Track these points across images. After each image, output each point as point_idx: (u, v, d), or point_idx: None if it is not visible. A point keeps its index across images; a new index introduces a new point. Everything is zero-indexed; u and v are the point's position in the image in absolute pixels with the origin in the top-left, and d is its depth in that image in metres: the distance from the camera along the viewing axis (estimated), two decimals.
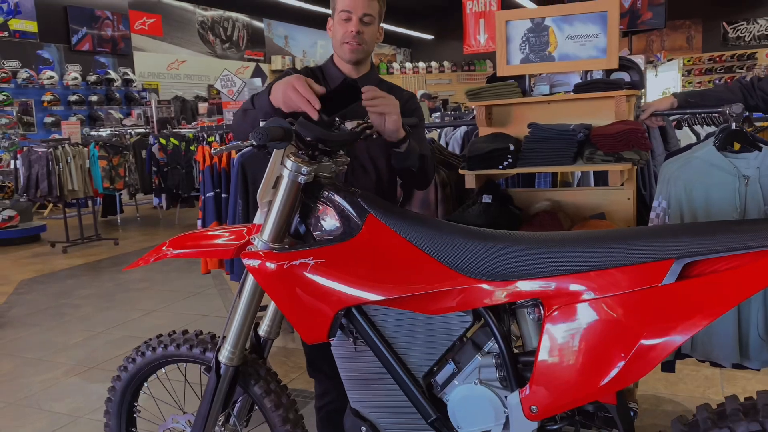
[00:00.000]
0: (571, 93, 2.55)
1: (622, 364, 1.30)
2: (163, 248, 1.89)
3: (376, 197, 1.64)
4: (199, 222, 4.37)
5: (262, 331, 1.90)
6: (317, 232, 1.65)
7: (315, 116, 1.63)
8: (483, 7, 9.82)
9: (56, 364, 3.90)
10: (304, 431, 1.86)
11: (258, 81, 7.85)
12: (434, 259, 1.49)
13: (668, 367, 2.57)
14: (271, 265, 1.61)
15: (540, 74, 2.76)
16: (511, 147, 2.41)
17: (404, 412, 1.60)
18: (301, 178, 1.60)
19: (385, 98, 1.77)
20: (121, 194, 9.35)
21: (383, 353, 1.57)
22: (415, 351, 1.57)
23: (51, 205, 9.42)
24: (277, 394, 1.85)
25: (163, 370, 2.01)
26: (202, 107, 10.70)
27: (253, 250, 1.67)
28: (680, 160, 2.43)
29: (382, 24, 2.07)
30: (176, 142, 8.23)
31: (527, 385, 1.41)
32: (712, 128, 4.25)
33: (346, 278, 1.56)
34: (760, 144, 2.32)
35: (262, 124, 1.57)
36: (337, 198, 1.62)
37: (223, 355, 1.78)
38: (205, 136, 6.05)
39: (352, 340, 1.62)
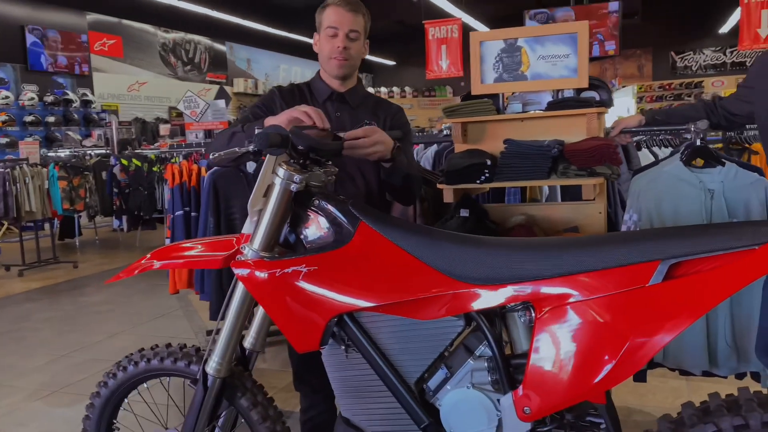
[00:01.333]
0: (544, 111, 2.64)
1: (612, 363, 1.34)
2: (147, 260, 1.88)
3: (366, 205, 1.66)
4: (167, 241, 4.31)
5: (248, 343, 1.89)
6: (308, 241, 1.66)
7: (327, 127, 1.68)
8: (445, 34, 10.05)
9: (17, 388, 3.76)
10: None
11: (222, 103, 7.80)
12: (426, 265, 1.52)
13: (640, 376, 2.64)
14: (262, 274, 1.61)
15: (513, 93, 2.85)
16: (488, 162, 2.48)
17: (396, 419, 1.61)
18: (293, 186, 1.62)
19: (367, 139, 1.81)
20: (80, 216, 9.12)
21: (375, 360, 1.59)
22: (407, 357, 1.59)
23: (4, 227, 9.13)
24: (264, 407, 1.84)
25: (145, 385, 1.97)
26: (164, 128, 10.59)
27: (243, 259, 1.67)
28: (649, 175, 2.54)
29: (367, 39, 2.12)
30: (138, 163, 8.10)
31: (520, 387, 1.45)
32: (670, 149, 4.44)
33: (339, 285, 1.57)
34: (723, 159, 2.44)
35: (257, 130, 1.59)
36: (328, 206, 1.64)
37: (211, 367, 1.77)
38: (168, 156, 5.99)
39: (343, 348, 1.63)
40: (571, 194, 3.47)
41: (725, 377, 2.66)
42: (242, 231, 1.74)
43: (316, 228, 1.65)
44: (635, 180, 2.56)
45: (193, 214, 4.27)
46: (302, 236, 1.67)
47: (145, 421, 2.06)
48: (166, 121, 12.99)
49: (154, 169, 8.09)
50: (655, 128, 2.73)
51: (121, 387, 1.97)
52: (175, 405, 2.03)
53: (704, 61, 17.62)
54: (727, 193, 2.40)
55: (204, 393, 1.76)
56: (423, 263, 1.53)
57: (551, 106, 2.59)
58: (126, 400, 2.00)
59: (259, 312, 1.84)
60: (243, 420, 1.85)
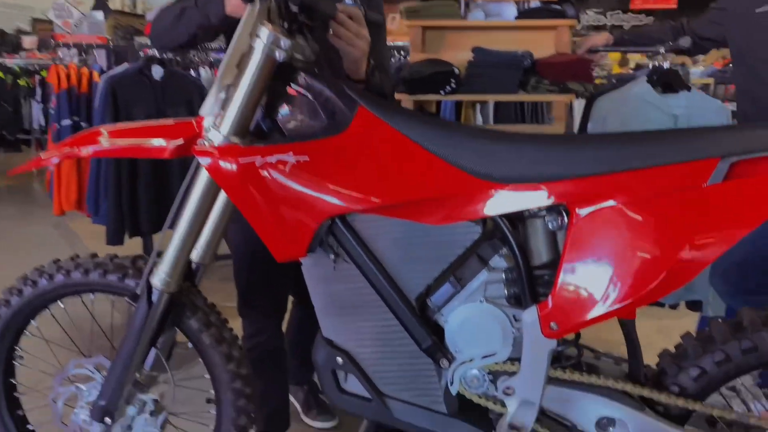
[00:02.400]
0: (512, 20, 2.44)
1: (658, 276, 1.19)
2: (65, 146, 1.48)
3: (363, 90, 1.38)
4: None
5: (195, 255, 1.57)
6: (290, 128, 1.36)
7: None
8: None
9: None
10: (250, 371, 1.57)
11: (100, 14, 6.96)
12: (441, 159, 1.28)
13: None
14: (237, 164, 1.29)
15: (475, 1, 2.62)
16: (456, 71, 2.25)
17: (391, 339, 1.39)
18: (279, 54, 1.29)
19: (355, 24, 1.50)
20: None
21: (372, 272, 1.34)
22: (410, 268, 1.35)
23: None
24: (218, 328, 1.54)
25: (60, 304, 1.59)
26: (29, 41, 9.35)
27: (208, 145, 1.33)
28: (614, 98, 2.44)
29: None
30: (1, 75, 7.05)
31: (548, 299, 1.27)
32: None
33: (334, 181, 1.29)
34: (689, 84, 2.38)
35: None
36: (318, 85, 1.34)
37: (158, 279, 1.43)
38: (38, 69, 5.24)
39: (332, 257, 1.36)
40: (510, 117, 3.36)
41: (669, 306, 2.69)
42: (201, 112, 1.39)
43: (301, 111, 1.34)
44: (598, 103, 2.45)
45: (83, 124, 3.70)
46: (282, 121, 1.36)
47: (60, 349, 1.68)
48: (28, 33, 11.47)
49: (21, 82, 7.09)
50: (621, 48, 2.63)
51: (27, 307, 1.58)
52: (100, 329, 1.67)
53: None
54: (691, 119, 2.35)
55: (148, 310, 1.43)
56: (436, 157, 1.28)
57: (522, 15, 2.40)
58: (34, 323, 1.62)
59: (213, 216, 1.52)
60: (192, 346, 1.55)
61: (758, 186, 1.16)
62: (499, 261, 1.33)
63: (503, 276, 1.33)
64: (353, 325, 1.40)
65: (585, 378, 1.31)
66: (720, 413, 1.28)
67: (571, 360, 1.36)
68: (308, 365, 2.36)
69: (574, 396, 1.32)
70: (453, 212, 1.29)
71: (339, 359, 1.41)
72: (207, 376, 1.56)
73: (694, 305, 2.63)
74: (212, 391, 1.57)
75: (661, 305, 2.68)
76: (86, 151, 1.44)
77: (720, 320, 1.32)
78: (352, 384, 1.43)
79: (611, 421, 1.31)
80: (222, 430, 1.58)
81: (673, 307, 2.75)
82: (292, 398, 2.31)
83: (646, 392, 1.29)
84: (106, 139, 1.45)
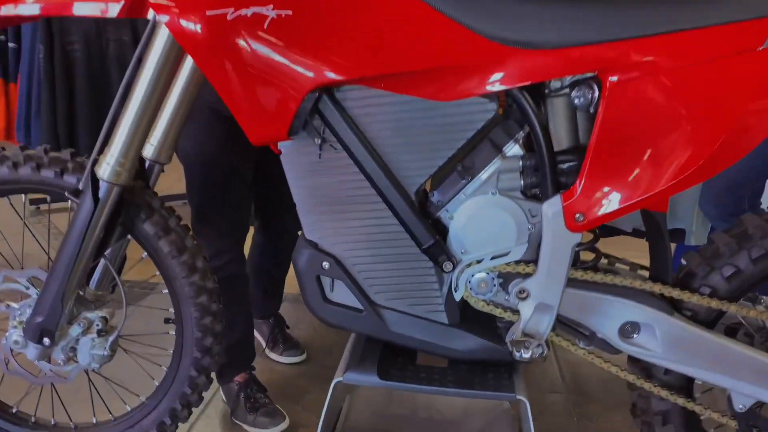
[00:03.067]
0: None
1: (703, 153, 1.03)
2: None
3: None
4: None
5: (149, 152, 1.33)
6: None
7: None
8: None
9: None
10: (215, 284, 1.36)
11: None
12: (454, 21, 1.07)
13: None
14: (203, 19, 1.05)
15: None
16: None
17: (386, 240, 1.19)
18: None
19: None
20: None
21: (366, 159, 1.13)
22: (411, 155, 1.15)
23: None
24: (179, 235, 1.31)
25: None
26: None
27: None
28: None
29: None
30: None
31: (575, 187, 1.09)
32: None
33: (323, 43, 1.07)
34: None
35: None
36: None
37: (105, 170, 1.19)
38: None
39: (318, 142, 1.15)
40: None
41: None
42: None
43: None
44: None
45: (11, 44, 3.30)
46: None
47: None
48: None
49: None
50: None
51: None
52: (33, 236, 1.42)
53: None
54: None
55: (93, 207, 1.19)
56: (448, 18, 1.07)
57: None
58: None
59: (172, 100, 1.28)
60: (147, 256, 1.32)
61: None
62: (514, 146, 1.15)
63: (519, 164, 1.15)
64: (342, 225, 1.20)
65: (609, 278, 1.15)
66: (755, 314, 1.15)
67: (587, 264, 1.21)
68: (273, 296, 2.17)
69: (596, 300, 1.16)
70: (466, 85, 1.09)
71: (325, 264, 1.21)
72: (165, 291, 1.34)
73: (676, 235, 2.53)
74: (171, 310, 1.36)
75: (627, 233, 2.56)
76: (5, 10, 1.17)
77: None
78: (340, 293, 1.24)
79: (635, 327, 1.17)
80: (183, 354, 1.37)
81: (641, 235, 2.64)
82: (256, 333, 2.11)
83: (676, 293, 1.15)
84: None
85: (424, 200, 1.20)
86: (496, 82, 1.08)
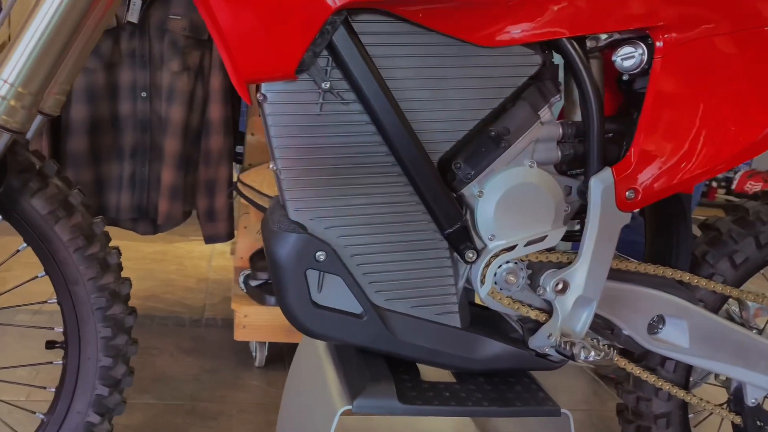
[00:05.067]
0: None
1: (758, 125, 0.96)
2: None
3: None
4: None
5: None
6: None
7: None
8: None
9: None
10: (130, 289, 0.96)
11: None
12: None
13: None
14: None
15: None
16: None
17: (396, 223, 0.93)
18: None
19: None
20: None
21: (388, 112, 0.87)
22: (439, 112, 0.91)
23: None
24: (85, 217, 0.89)
25: None
26: None
27: None
28: None
29: None
30: None
31: (626, 160, 0.95)
32: None
33: None
34: None
35: None
36: None
37: None
38: None
39: (326, 86, 0.85)
40: None
41: None
42: None
43: None
44: None
45: None
46: None
47: None
48: None
49: None
50: None
51: None
52: None
53: None
54: None
55: None
56: None
57: None
58: None
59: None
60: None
61: None
62: (548, 111, 0.97)
63: (559, 131, 0.97)
64: (343, 201, 0.91)
65: (642, 268, 1.03)
66: (760, 300, 1.12)
67: None
68: None
69: (628, 292, 1.03)
70: (516, 29, 0.89)
71: (320, 255, 0.90)
72: (53, 300, 0.90)
73: None
74: (58, 329, 0.92)
75: None
76: None
77: None
78: (331, 294, 0.93)
79: (661, 320, 1.06)
80: (77, 393, 0.93)
81: None
82: None
83: (703, 283, 1.06)
84: None
85: (445, 173, 0.96)
86: (548, 28, 0.90)
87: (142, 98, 1.89)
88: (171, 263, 2.83)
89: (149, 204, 1.96)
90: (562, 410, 0.95)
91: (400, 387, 0.94)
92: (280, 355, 2.00)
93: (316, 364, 1.04)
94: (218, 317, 2.27)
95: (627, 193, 0.95)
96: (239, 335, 1.85)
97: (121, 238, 2.23)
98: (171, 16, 1.84)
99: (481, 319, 1.04)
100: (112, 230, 2.06)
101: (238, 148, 2.15)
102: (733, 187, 6.41)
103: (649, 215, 1.14)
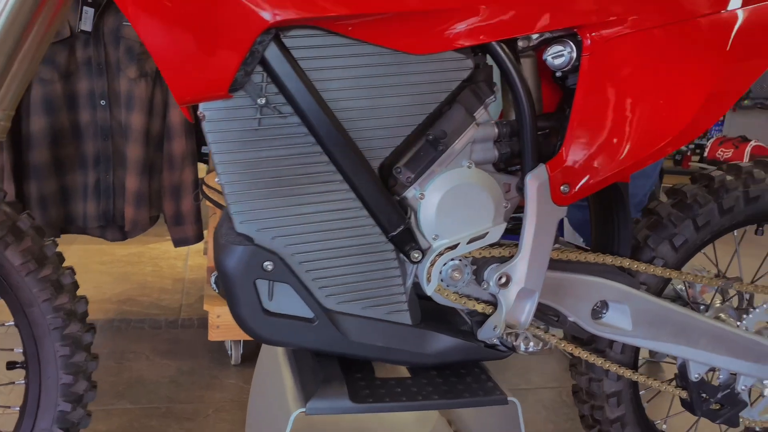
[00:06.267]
0: None
1: (689, 113, 1.00)
2: None
3: None
4: None
5: None
6: None
7: None
8: None
9: None
10: (86, 306, 0.98)
11: None
12: None
13: None
14: None
15: None
16: None
17: (342, 228, 0.96)
18: None
19: None
20: None
21: (324, 123, 0.89)
22: (376, 119, 0.94)
23: None
24: (35, 240, 0.92)
25: None
26: None
27: None
28: None
29: None
30: None
31: (559, 156, 0.99)
32: None
33: None
34: None
35: None
36: None
37: None
38: None
39: (259, 104, 0.88)
40: None
41: None
42: None
43: None
44: None
45: None
46: None
47: None
48: None
49: None
50: None
51: None
52: None
53: None
54: None
55: None
56: None
57: None
58: None
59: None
60: None
61: None
62: (484, 112, 1.00)
63: (495, 131, 1.00)
64: (288, 212, 0.94)
65: (582, 256, 1.07)
66: (709, 281, 1.17)
67: None
68: None
69: (571, 280, 1.07)
70: (446, 35, 0.92)
71: (267, 264, 0.93)
72: (9, 323, 0.93)
73: None
74: (18, 350, 0.94)
75: None
76: None
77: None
78: (282, 301, 0.97)
79: (604, 305, 1.10)
80: (41, 410, 0.96)
81: None
82: None
83: (642, 267, 1.11)
84: None
85: (387, 178, 0.99)
86: (476, 34, 0.93)
87: (102, 106, 1.90)
88: (147, 265, 2.84)
89: (116, 211, 1.97)
90: (509, 398, 0.99)
91: (353, 386, 0.98)
92: (257, 353, 2.03)
93: (274, 367, 1.08)
94: (195, 317, 2.29)
95: (562, 187, 0.99)
96: (213, 335, 1.88)
97: (96, 242, 2.26)
98: (125, 23, 1.85)
99: (435, 314, 1.08)
100: (85, 236, 2.08)
101: (204, 149, 2.17)
102: (705, 154, 6.50)
103: (592, 204, 1.18)
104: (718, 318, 1.26)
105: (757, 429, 1.34)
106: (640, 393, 1.27)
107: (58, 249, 0.99)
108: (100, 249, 2.94)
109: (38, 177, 1.88)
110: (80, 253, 2.87)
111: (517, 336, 1.00)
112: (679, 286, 1.29)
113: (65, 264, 1.01)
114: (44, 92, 1.84)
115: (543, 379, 2.04)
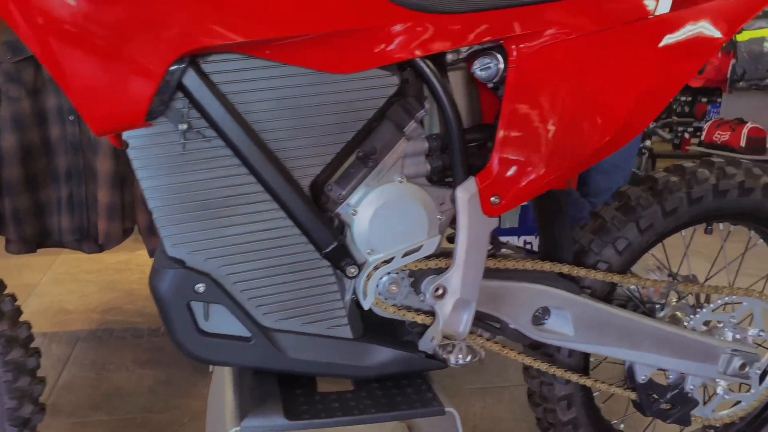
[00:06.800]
0: None
1: (616, 120, 1.00)
2: None
3: None
4: None
5: None
6: None
7: None
8: None
9: None
10: (30, 331, 1.00)
11: None
12: None
13: None
14: None
15: None
16: None
17: (275, 248, 0.97)
18: None
19: None
20: None
21: (248, 146, 0.91)
22: (302, 139, 0.95)
23: None
24: None
25: None
26: None
27: None
28: None
29: None
30: None
31: (489, 167, 0.99)
32: None
33: None
34: None
35: None
36: None
37: None
38: None
39: (182, 129, 0.89)
40: None
41: None
42: None
43: None
44: None
45: None
46: None
47: None
48: None
49: None
50: None
51: None
52: None
53: None
54: None
55: None
56: None
57: None
58: None
59: None
60: None
61: (705, 14, 1.03)
62: (415, 126, 1.01)
63: (425, 145, 1.01)
64: (217, 234, 0.95)
65: (520, 264, 1.08)
66: (652, 284, 1.17)
67: (489, 250, 1.12)
68: None
69: (509, 288, 1.08)
70: (367, 54, 0.92)
71: (199, 287, 0.95)
72: None
73: None
74: None
75: None
76: None
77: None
78: (218, 321, 0.98)
79: (546, 312, 1.11)
80: None
81: None
82: None
83: (583, 273, 1.12)
84: None
85: (319, 196, 1.00)
86: (399, 52, 0.94)
87: (71, 121, 1.92)
88: (133, 272, 2.87)
89: (90, 224, 1.99)
90: (447, 409, 1.01)
91: (291, 403, 0.99)
92: None
93: (220, 384, 1.10)
94: None
95: (492, 199, 1.00)
96: None
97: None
98: None
99: (382, 326, 1.09)
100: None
101: None
102: (703, 137, 6.46)
103: (534, 212, 1.19)
104: (674, 317, 1.26)
105: (718, 425, 1.35)
106: (595, 394, 1.28)
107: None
108: (90, 257, 2.97)
109: (11, 193, 1.90)
110: (70, 262, 2.90)
111: (453, 347, 1.01)
112: (633, 287, 1.29)
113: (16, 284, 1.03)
114: (13, 110, 1.86)
115: (520, 376, 2.06)
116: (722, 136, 6.03)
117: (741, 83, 6.31)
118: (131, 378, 1.96)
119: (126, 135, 0.88)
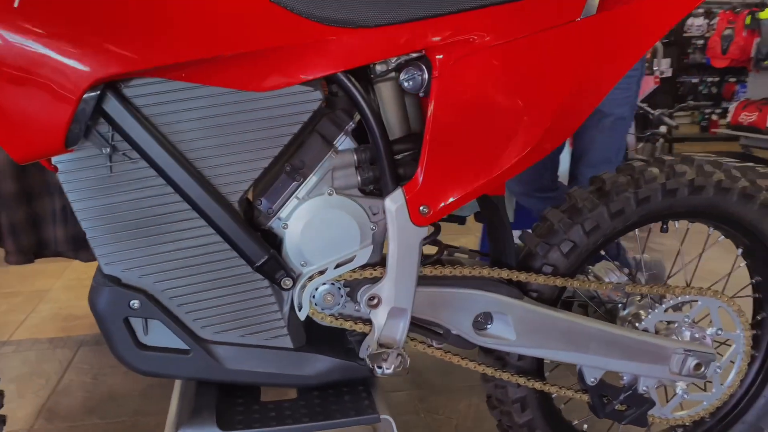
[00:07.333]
0: None
1: (542, 126, 1.00)
2: None
3: None
4: None
5: None
6: None
7: None
8: None
9: None
10: None
11: None
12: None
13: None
14: None
15: None
16: None
17: (207, 263, 1.00)
18: None
19: None
20: None
21: (172, 166, 0.93)
22: (228, 156, 0.97)
23: None
24: None
25: None
26: None
27: None
28: None
29: None
30: None
31: (416, 178, 1.00)
32: None
33: (102, 24, 0.85)
34: None
35: None
36: None
37: None
38: None
39: (106, 152, 0.92)
40: None
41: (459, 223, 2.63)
42: None
43: None
44: None
45: None
46: None
47: None
48: None
49: None
50: None
51: None
52: None
53: None
54: None
55: None
56: None
57: None
58: None
59: None
60: None
61: (633, 15, 1.02)
62: (345, 139, 1.03)
63: (354, 158, 1.03)
64: (150, 251, 0.98)
65: (457, 271, 1.08)
66: (597, 286, 1.17)
67: (431, 258, 1.13)
68: None
69: (447, 295, 1.09)
70: (285, 71, 0.94)
71: (134, 303, 0.98)
72: None
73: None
74: None
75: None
76: None
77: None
78: (157, 335, 1.02)
79: (488, 317, 1.12)
80: None
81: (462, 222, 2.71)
82: None
83: (523, 276, 1.12)
84: None
85: (249, 210, 1.02)
86: (318, 67, 0.95)
87: None
88: None
89: (84, 233, 2.06)
90: (382, 416, 1.02)
91: (227, 413, 1.02)
92: None
93: (172, 393, 1.13)
94: None
95: (421, 208, 1.00)
96: None
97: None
98: None
99: (329, 335, 1.11)
100: None
101: None
102: (729, 119, 6.28)
103: (480, 218, 1.19)
104: (637, 315, 1.25)
105: (687, 424, 1.33)
106: (553, 396, 1.27)
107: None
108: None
109: (7, 207, 1.98)
110: (81, 268, 2.98)
111: (387, 356, 1.02)
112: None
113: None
114: None
115: None
116: (749, 117, 5.86)
117: (766, 62, 6.11)
118: (125, 382, 2.02)
119: (55, 160, 0.92)
